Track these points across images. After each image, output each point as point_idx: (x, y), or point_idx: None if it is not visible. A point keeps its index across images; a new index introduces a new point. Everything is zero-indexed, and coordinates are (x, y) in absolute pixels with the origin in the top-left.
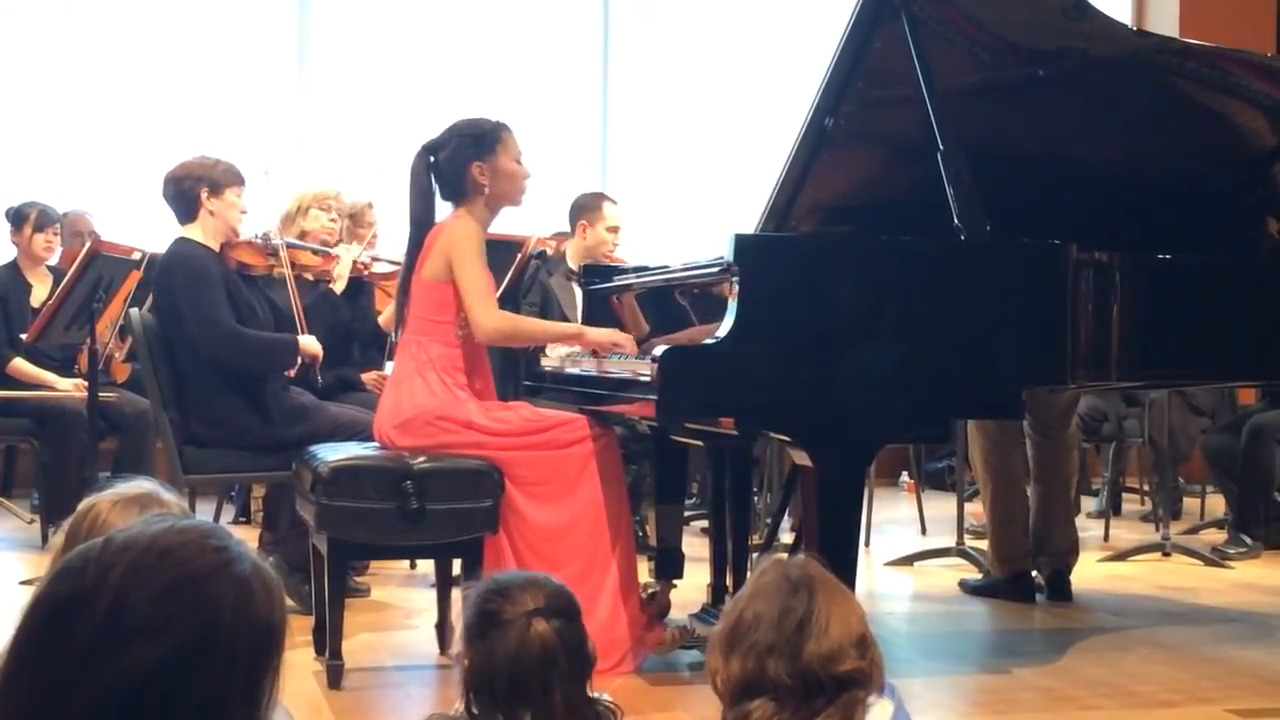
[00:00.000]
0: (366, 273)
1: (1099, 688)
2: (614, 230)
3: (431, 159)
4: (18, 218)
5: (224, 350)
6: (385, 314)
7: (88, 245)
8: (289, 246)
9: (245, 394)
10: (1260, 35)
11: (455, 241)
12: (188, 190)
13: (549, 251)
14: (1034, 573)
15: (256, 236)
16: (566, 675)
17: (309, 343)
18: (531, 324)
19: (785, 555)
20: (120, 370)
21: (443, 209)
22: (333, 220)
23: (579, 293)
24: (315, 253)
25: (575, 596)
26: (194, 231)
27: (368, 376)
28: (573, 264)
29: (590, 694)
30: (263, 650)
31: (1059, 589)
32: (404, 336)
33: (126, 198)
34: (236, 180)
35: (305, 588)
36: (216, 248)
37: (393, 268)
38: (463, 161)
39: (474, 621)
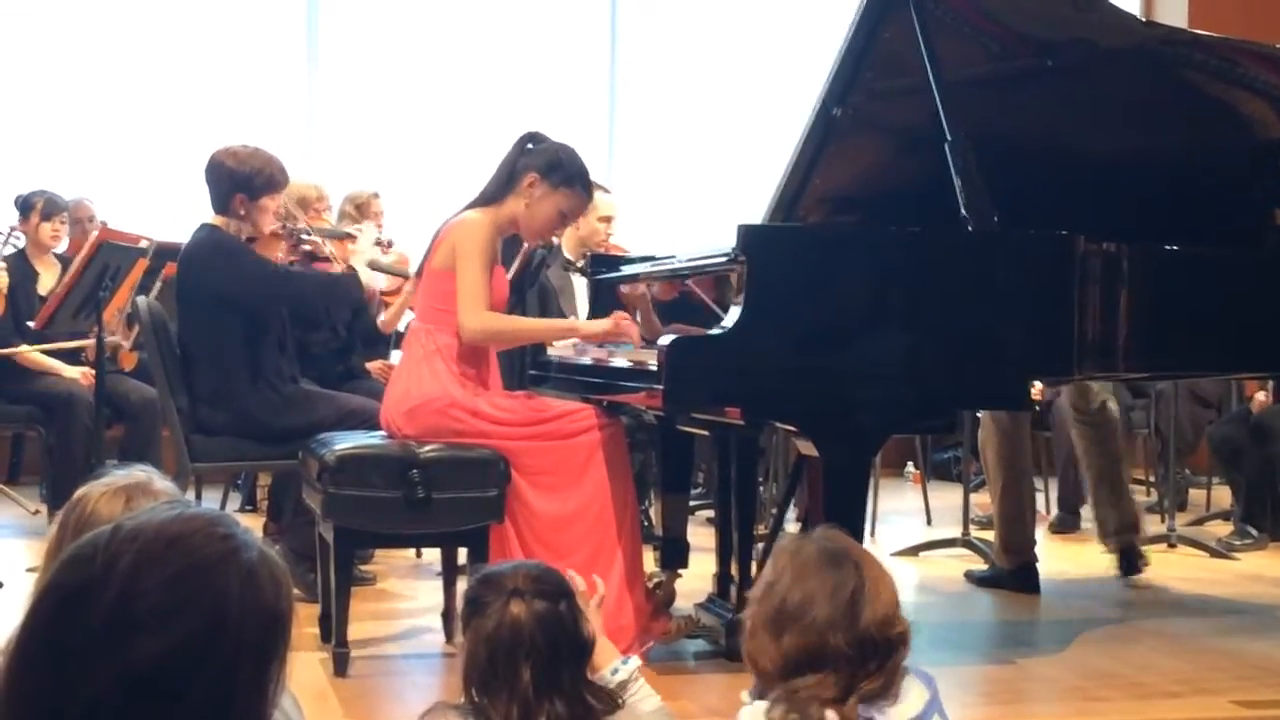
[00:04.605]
0: (388, 249)
1: (1104, 678)
2: (606, 220)
3: (527, 146)
4: (25, 206)
5: (287, 289)
6: (386, 316)
7: (95, 234)
8: (317, 234)
9: (252, 382)
10: (1269, 26)
11: (464, 236)
12: (225, 191)
13: (556, 240)
14: (1108, 553)
15: (281, 227)
16: (546, 654)
17: (371, 278)
18: (520, 324)
19: (799, 533)
20: (127, 359)
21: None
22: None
23: (577, 283)
24: (340, 238)
25: (566, 580)
26: (220, 221)
27: (373, 366)
28: (569, 254)
29: (596, 672)
30: (270, 638)
31: (1130, 564)
32: (413, 325)
33: (136, 188)
34: (276, 188)
35: (311, 576)
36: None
37: (389, 281)
38: (529, 166)
39: (463, 610)
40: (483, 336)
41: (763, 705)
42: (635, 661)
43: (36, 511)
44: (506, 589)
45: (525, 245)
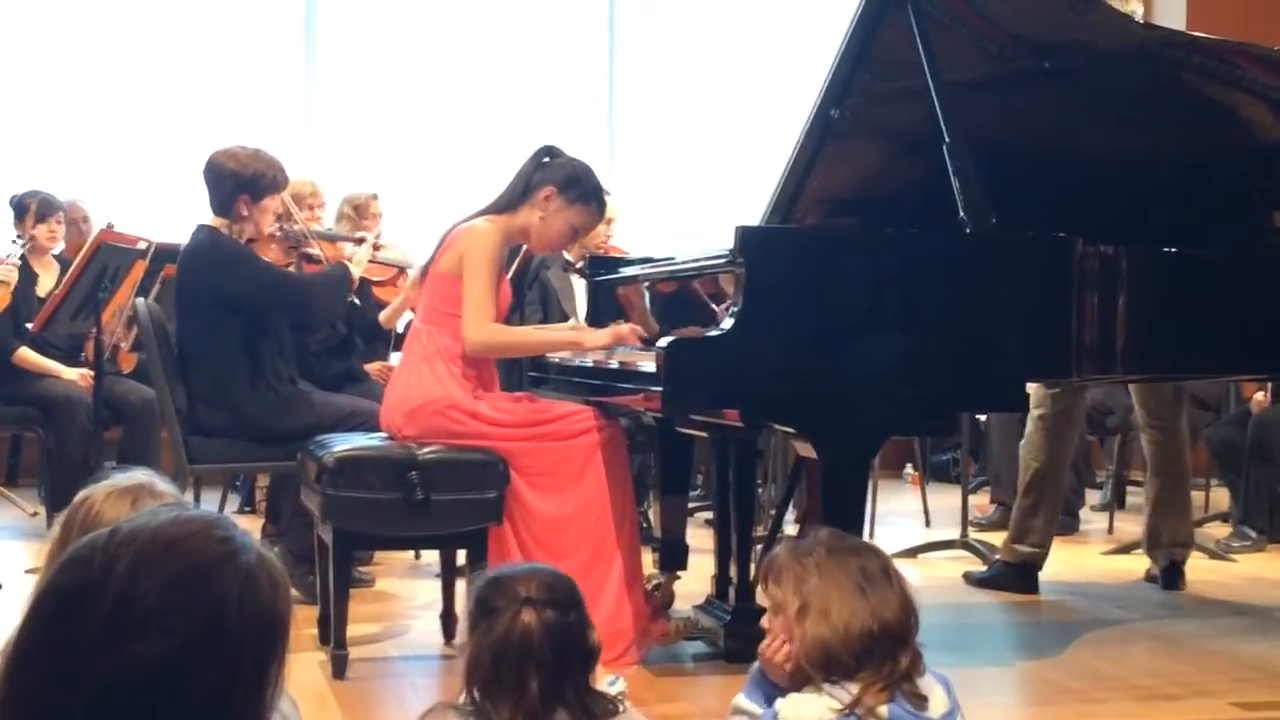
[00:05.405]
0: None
1: (1103, 680)
2: (607, 222)
3: (544, 160)
4: (19, 208)
5: (293, 295)
6: (386, 311)
7: (95, 235)
8: (314, 236)
9: (251, 383)
10: (1267, 28)
11: (472, 244)
12: (228, 192)
13: None
14: (1150, 566)
15: (279, 229)
16: (554, 665)
17: (354, 271)
18: (523, 335)
19: (810, 538)
20: (126, 360)
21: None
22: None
23: (576, 284)
24: (336, 240)
25: (577, 587)
26: (220, 223)
27: (372, 367)
28: (568, 256)
29: (595, 686)
30: (268, 640)
31: (1173, 580)
32: (414, 326)
33: (133, 189)
34: (278, 188)
35: (310, 578)
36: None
37: (383, 271)
38: (546, 179)
39: (471, 611)
40: (486, 349)
41: (810, 696)
42: (621, 684)
43: (35, 513)
44: (519, 596)
45: (523, 248)
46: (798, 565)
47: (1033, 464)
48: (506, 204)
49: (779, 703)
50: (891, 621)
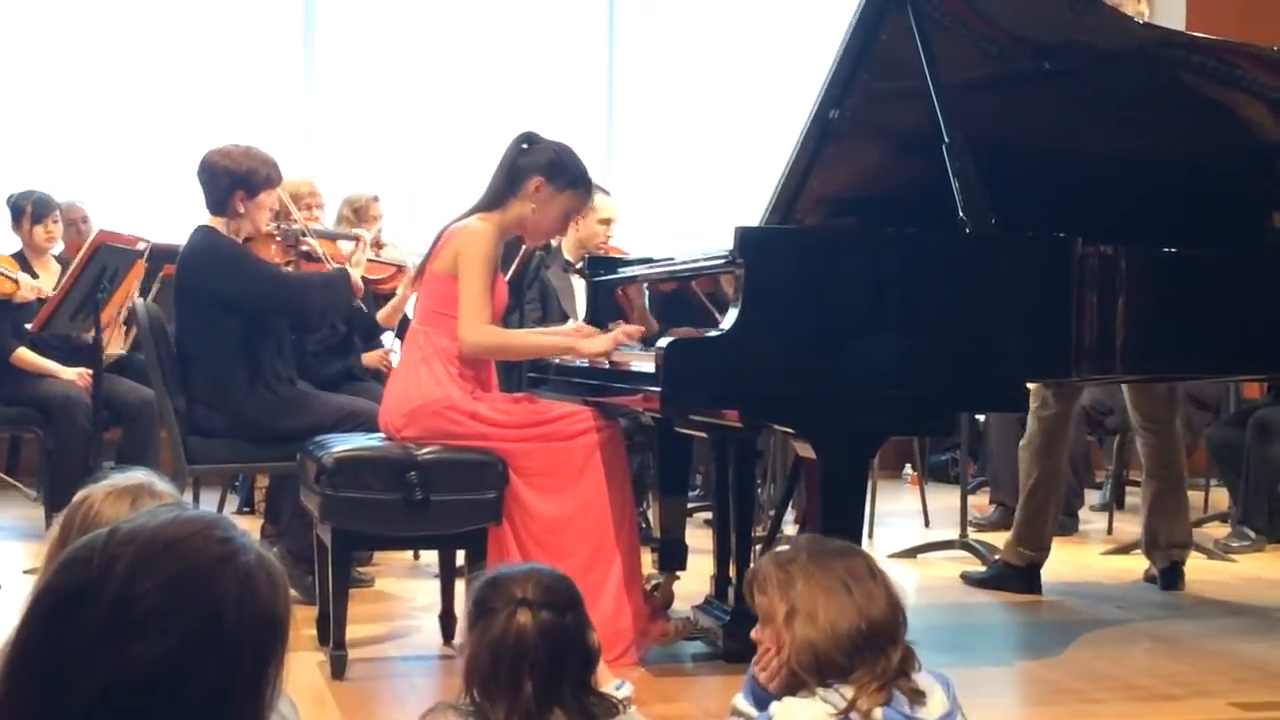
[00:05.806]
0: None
1: (1102, 680)
2: (606, 222)
3: (524, 146)
4: (16, 209)
5: (288, 297)
6: (385, 310)
7: (93, 236)
8: (312, 234)
9: (250, 384)
10: (1266, 29)
11: (467, 244)
12: (223, 190)
13: (555, 242)
14: (1149, 566)
15: (277, 228)
16: (548, 667)
17: (354, 275)
18: (520, 338)
19: (792, 547)
20: (114, 344)
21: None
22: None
23: (576, 285)
24: (335, 239)
25: (577, 588)
26: (218, 223)
27: (370, 356)
28: (568, 256)
29: (597, 686)
30: (267, 641)
31: (1172, 580)
32: (412, 327)
33: (132, 190)
34: (272, 184)
35: (309, 578)
36: (240, 240)
37: (385, 271)
38: (533, 168)
39: (469, 611)
40: (482, 350)
41: (804, 701)
42: (629, 689)
43: (35, 498)
44: (515, 597)
45: (523, 247)
46: (781, 572)
47: (1036, 467)
48: (496, 198)
49: (774, 706)
50: (879, 618)
